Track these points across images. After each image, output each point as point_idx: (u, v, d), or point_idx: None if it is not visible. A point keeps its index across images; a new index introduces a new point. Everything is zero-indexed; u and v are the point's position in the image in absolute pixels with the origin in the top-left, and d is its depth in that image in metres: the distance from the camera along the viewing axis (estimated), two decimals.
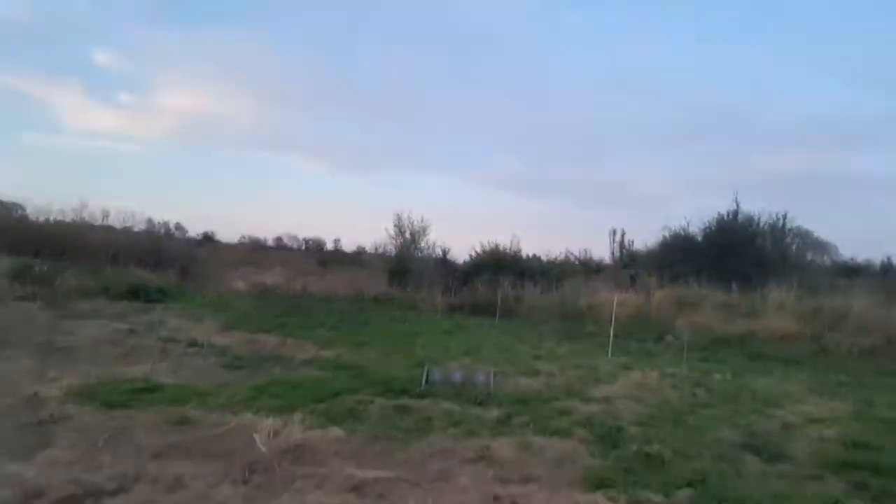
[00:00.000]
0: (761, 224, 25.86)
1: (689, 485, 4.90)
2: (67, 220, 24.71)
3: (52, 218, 24.41)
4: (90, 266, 19.26)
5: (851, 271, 27.54)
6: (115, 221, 26.40)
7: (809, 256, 29.49)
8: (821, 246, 31.56)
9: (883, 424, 7.75)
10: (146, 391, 6.86)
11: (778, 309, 17.43)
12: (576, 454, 5.68)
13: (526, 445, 5.78)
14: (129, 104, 61.28)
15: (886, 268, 27.62)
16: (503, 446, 5.67)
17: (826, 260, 32.10)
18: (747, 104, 55.20)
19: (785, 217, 25.70)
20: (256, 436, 5.37)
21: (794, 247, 27.62)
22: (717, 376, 11.12)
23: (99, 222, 25.86)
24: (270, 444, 5.24)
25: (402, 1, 59.65)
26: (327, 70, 62.57)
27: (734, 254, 23.66)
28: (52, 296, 14.55)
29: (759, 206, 26.56)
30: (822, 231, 30.22)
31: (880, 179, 47.93)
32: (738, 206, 25.42)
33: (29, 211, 25.03)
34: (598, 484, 4.85)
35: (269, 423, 5.69)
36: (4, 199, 25.35)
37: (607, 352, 13.06)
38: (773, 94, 55.28)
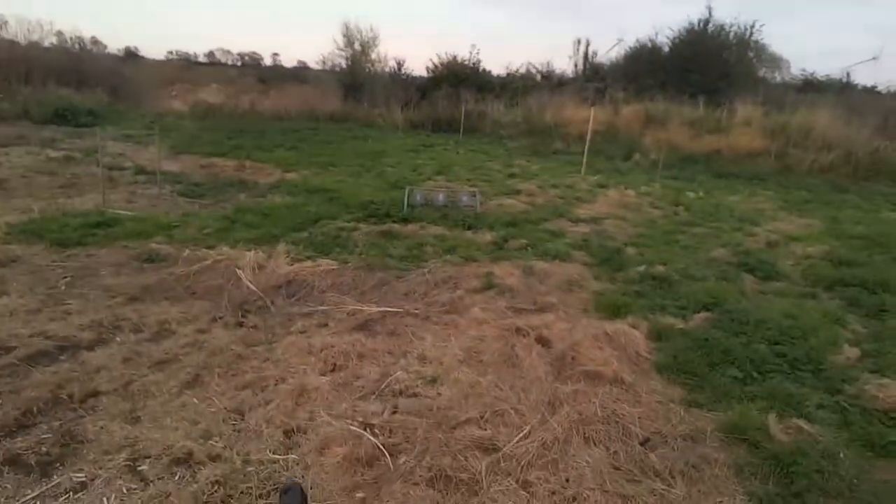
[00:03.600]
0: (730, 35, 24.73)
1: (705, 307, 4.78)
2: None
3: None
4: (1, 86, 16.83)
5: (810, 87, 27.25)
6: (17, 34, 22.56)
7: (762, 72, 28.90)
8: (774, 61, 30.89)
9: (857, 241, 7.89)
10: (101, 225, 6.10)
11: (744, 126, 17.25)
12: (582, 278, 5.47)
13: (529, 271, 5.51)
14: None
15: (844, 85, 27.41)
16: (506, 273, 5.37)
17: (778, 76, 31.71)
18: None
19: (752, 28, 24.54)
20: (241, 271, 4.86)
21: (753, 61, 26.83)
22: (691, 194, 11.07)
23: None
24: (258, 280, 4.76)
25: None
26: None
27: (700, 67, 22.85)
28: None
29: (728, 15, 25.15)
30: (775, 45, 29.34)
31: None
32: (710, 14, 24.00)
33: None
34: (614, 310, 4.67)
35: (251, 256, 5.16)
36: None
37: (580, 170, 12.77)
38: None
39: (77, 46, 27.16)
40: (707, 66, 22.80)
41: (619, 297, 4.91)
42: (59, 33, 25.27)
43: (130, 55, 42.25)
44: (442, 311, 4.48)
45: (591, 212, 8.73)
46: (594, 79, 25.87)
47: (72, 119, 15.02)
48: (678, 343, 4.13)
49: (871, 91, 27.49)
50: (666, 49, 25.48)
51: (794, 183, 13.72)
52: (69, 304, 4.21)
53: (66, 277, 4.76)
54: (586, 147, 13.25)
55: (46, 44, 23.59)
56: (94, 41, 31.70)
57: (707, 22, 24.12)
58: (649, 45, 25.79)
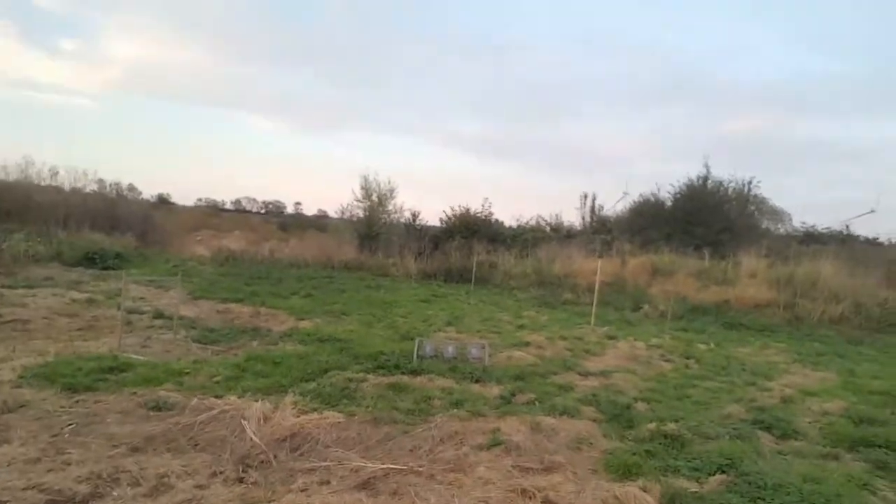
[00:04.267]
0: (729, 190, 26.10)
1: (720, 469, 4.60)
2: (11, 178, 22.83)
3: None
4: (39, 230, 17.90)
5: (812, 238, 28.05)
6: (63, 181, 24.40)
7: (765, 224, 30.04)
8: (776, 214, 32.17)
9: (877, 397, 7.72)
10: (113, 370, 6.18)
11: (750, 277, 17.56)
12: (591, 436, 5.34)
13: (537, 427, 5.40)
14: (73, 52, 57.47)
15: (845, 237, 28.19)
16: (513, 429, 5.27)
17: (780, 228, 32.78)
18: (709, 67, 55.90)
19: (750, 183, 25.96)
20: (246, 423, 4.82)
21: (755, 214, 28.02)
22: (702, 346, 11.04)
23: (46, 181, 23.90)
24: (262, 433, 4.70)
25: None
26: (285, 21, 60.00)
27: (703, 220, 23.82)
28: None
29: (727, 172, 26.66)
30: (776, 199, 30.86)
31: (835, 146, 49.34)
32: (708, 171, 25.53)
33: None
34: (624, 470, 4.51)
35: (257, 407, 5.13)
36: None
37: (589, 321, 12.87)
38: (734, 58, 56.05)
39: (114, 192, 28.94)
40: (709, 220, 23.79)
41: (629, 457, 4.75)
42: (100, 180, 27.15)
43: (162, 201, 44.90)
44: (447, 469, 4.36)
45: (600, 365, 8.70)
46: (601, 231, 26.92)
47: (100, 262, 15.75)
48: None
49: (872, 242, 28.15)
50: (668, 203, 26.80)
51: (806, 334, 13.68)
52: (70, 453, 4.18)
53: (70, 424, 4.75)
54: (595, 298, 13.47)
55: (87, 190, 25.35)
56: (131, 187, 33.85)
57: (706, 178, 25.59)
58: (652, 199, 27.18)
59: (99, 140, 57.65)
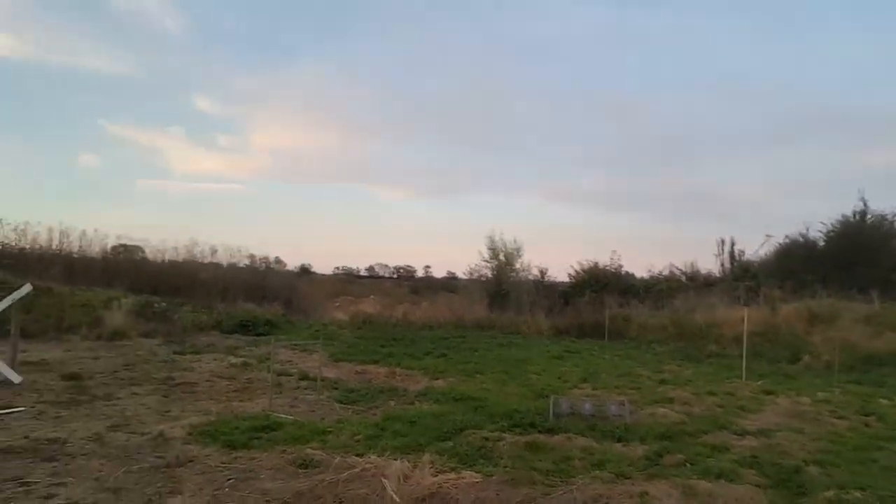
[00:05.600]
0: (895, 224, 23.29)
1: None
2: (180, 259, 25.93)
3: (166, 258, 25.75)
4: (203, 302, 20.07)
5: None
6: (221, 258, 27.40)
7: None
8: None
9: None
10: (266, 429, 6.62)
11: None
12: (755, 503, 4.78)
13: (691, 492, 4.94)
14: (227, 146, 65.33)
15: None
16: (664, 492, 4.86)
17: None
18: (838, 98, 51.08)
19: None
20: (386, 481, 4.90)
21: None
22: (884, 401, 9.65)
23: (208, 259, 26.91)
24: (402, 492, 4.74)
25: (471, 14, 59.70)
26: (403, 95, 64.02)
27: (865, 259, 21.34)
28: (171, 331, 15.19)
29: (885, 205, 23.82)
30: None
31: None
32: (865, 205, 23.02)
33: (147, 252, 26.43)
34: None
35: (397, 465, 5.21)
36: (128, 242, 26.84)
37: (740, 375, 11.78)
38: (866, 85, 50.82)
39: (264, 266, 31.81)
40: (873, 258, 21.28)
41: None
42: (252, 255, 30.08)
43: (305, 271, 48.27)
44: None
45: (758, 423, 7.87)
46: (744, 277, 24.87)
47: (252, 329, 17.29)
48: None
49: None
50: (821, 243, 24.43)
51: None
52: None
53: (230, 479, 5.11)
54: (744, 350, 12.35)
55: (241, 265, 28.16)
56: (277, 260, 36.90)
57: (864, 213, 23.11)
58: (801, 239, 24.94)
59: (250, 220, 64.61)
